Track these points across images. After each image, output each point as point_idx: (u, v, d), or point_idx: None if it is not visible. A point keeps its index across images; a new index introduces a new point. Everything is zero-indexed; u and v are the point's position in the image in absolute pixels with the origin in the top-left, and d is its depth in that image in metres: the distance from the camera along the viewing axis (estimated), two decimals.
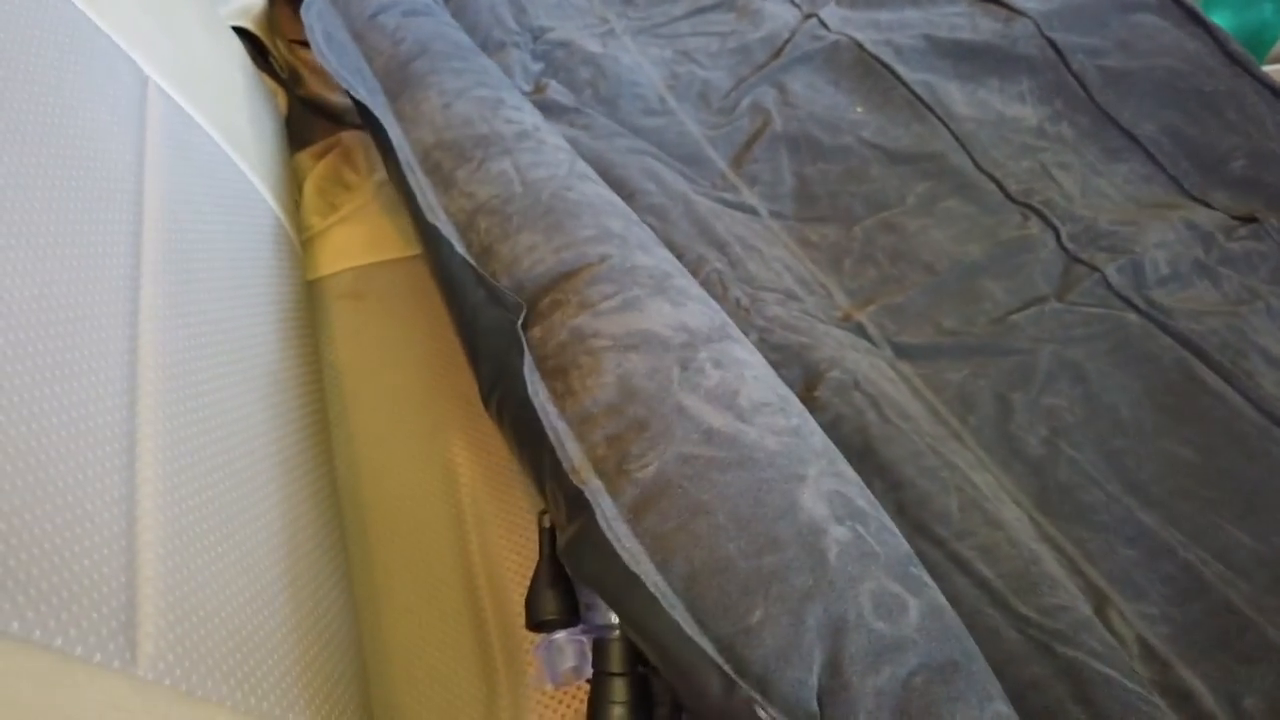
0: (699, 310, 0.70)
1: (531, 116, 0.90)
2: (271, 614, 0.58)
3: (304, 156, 1.08)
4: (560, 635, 0.65)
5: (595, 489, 0.57)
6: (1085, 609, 0.68)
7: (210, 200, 0.74)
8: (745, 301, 0.88)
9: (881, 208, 1.02)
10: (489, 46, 1.19)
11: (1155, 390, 0.85)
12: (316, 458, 0.77)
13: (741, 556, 0.53)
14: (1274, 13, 1.28)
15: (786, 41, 1.20)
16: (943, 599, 0.56)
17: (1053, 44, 1.15)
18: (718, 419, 0.59)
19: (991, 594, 0.67)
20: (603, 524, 0.55)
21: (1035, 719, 0.60)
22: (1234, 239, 0.97)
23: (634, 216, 0.82)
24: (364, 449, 0.85)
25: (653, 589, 0.52)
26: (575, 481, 0.58)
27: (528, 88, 1.15)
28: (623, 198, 0.94)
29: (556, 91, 1.13)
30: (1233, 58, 1.13)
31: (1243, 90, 1.10)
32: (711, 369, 0.63)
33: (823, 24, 1.21)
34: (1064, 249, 0.96)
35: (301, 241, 0.99)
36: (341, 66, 0.93)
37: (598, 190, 0.81)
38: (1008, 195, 1.02)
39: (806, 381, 0.81)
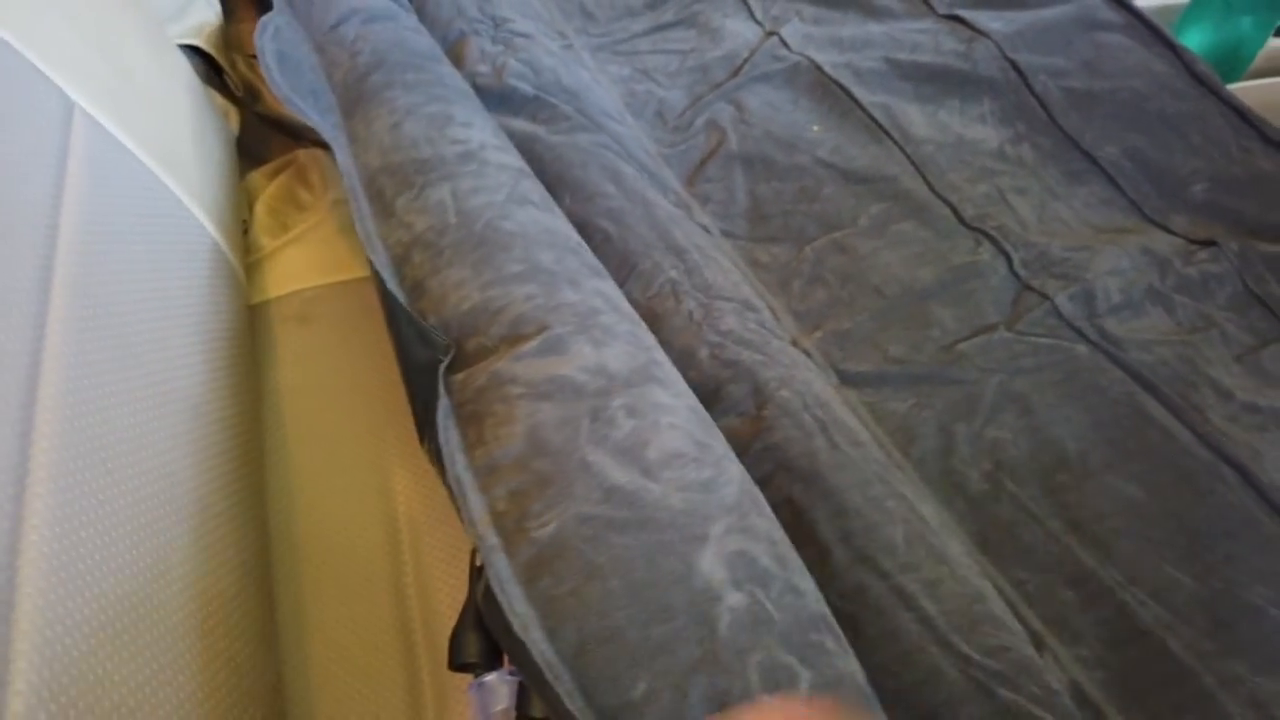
0: (622, 351, 0.67)
1: (481, 132, 0.87)
2: (174, 674, 0.56)
3: (257, 176, 1.06)
4: (492, 676, 0.63)
5: (491, 546, 0.55)
6: (1027, 650, 0.65)
7: (138, 231, 0.72)
8: (699, 314, 0.85)
9: (834, 228, 1.00)
10: (450, 39, 1.16)
11: (1103, 424, 0.82)
12: (242, 492, 0.74)
13: (631, 626, 0.50)
14: (1252, 27, 1.27)
15: (745, 60, 1.18)
16: (850, 667, 0.54)
17: (1015, 65, 1.12)
18: (622, 475, 0.57)
19: (934, 631, 0.64)
20: (495, 586, 0.53)
21: None
22: (1191, 264, 0.94)
23: (571, 241, 0.79)
24: (301, 478, 0.83)
25: (538, 659, 0.50)
26: (471, 537, 0.56)
27: (486, 69, 1.10)
28: (580, 201, 0.93)
29: (516, 76, 1.09)
30: (1199, 79, 1.11)
31: (1208, 112, 1.08)
32: (624, 418, 0.60)
33: (784, 43, 1.18)
34: (1015, 275, 0.94)
35: (250, 263, 0.97)
36: (294, 90, 0.90)
37: (535, 216, 0.78)
38: (962, 220, 1.00)
39: (756, 400, 0.78)
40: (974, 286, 0.94)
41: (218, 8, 1.12)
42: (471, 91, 0.99)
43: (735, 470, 0.62)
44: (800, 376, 0.81)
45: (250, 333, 0.90)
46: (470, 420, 0.63)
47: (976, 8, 1.22)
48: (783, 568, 0.57)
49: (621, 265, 0.89)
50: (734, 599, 0.52)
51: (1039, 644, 0.69)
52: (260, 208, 1.02)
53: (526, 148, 1.00)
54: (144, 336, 0.67)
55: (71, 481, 0.52)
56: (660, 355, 0.71)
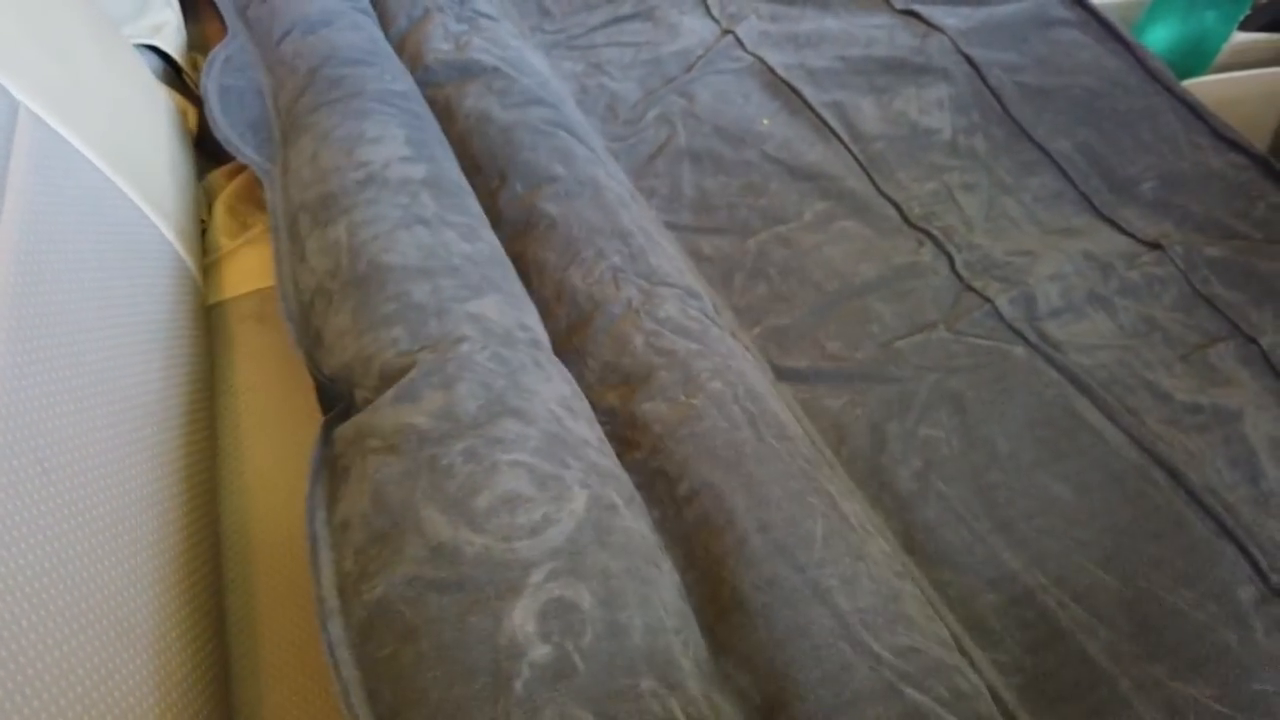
0: (477, 385, 0.66)
1: (389, 145, 0.86)
2: (123, 671, 0.55)
3: (217, 175, 1.04)
4: None
5: (330, 610, 0.55)
6: (938, 652, 0.64)
7: (84, 230, 0.71)
8: (638, 301, 0.84)
9: (778, 222, 0.99)
10: (415, 15, 1.15)
11: (1036, 424, 0.82)
12: (193, 490, 0.74)
13: (435, 688, 0.50)
14: (1216, 21, 1.26)
15: (699, 58, 1.17)
16: (667, 708, 0.53)
17: (969, 60, 1.11)
18: (447, 531, 0.56)
19: (847, 627, 0.63)
20: (325, 650, 0.53)
21: None
22: (1135, 267, 0.94)
23: (455, 258, 0.77)
24: (257, 476, 0.82)
25: None
26: (315, 597, 0.56)
27: (449, 46, 1.10)
28: (529, 188, 0.93)
29: (479, 50, 1.09)
30: (1152, 75, 1.10)
31: (1159, 108, 1.07)
32: (461, 464, 0.59)
33: (739, 42, 1.17)
34: (957, 276, 0.93)
35: (209, 263, 0.96)
36: (232, 127, 0.91)
37: (420, 239, 0.77)
38: (906, 220, 0.99)
39: (687, 389, 0.77)
40: (914, 285, 0.93)
41: (176, 7, 1.11)
42: (400, 75, 0.99)
43: (580, 501, 0.61)
44: (735, 368, 0.80)
45: (205, 332, 0.89)
46: (340, 475, 0.62)
47: (932, 3, 1.21)
48: (609, 607, 0.56)
49: (565, 252, 0.88)
50: (538, 653, 0.51)
51: (958, 647, 0.68)
52: (219, 207, 1.01)
53: (479, 129, 1.00)
54: (89, 337, 0.66)
55: (5, 482, 0.52)
56: (530, 370, 0.70)
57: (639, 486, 0.71)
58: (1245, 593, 0.71)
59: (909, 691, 0.60)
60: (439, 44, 1.10)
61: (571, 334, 0.83)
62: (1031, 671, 0.68)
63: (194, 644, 0.65)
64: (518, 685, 0.50)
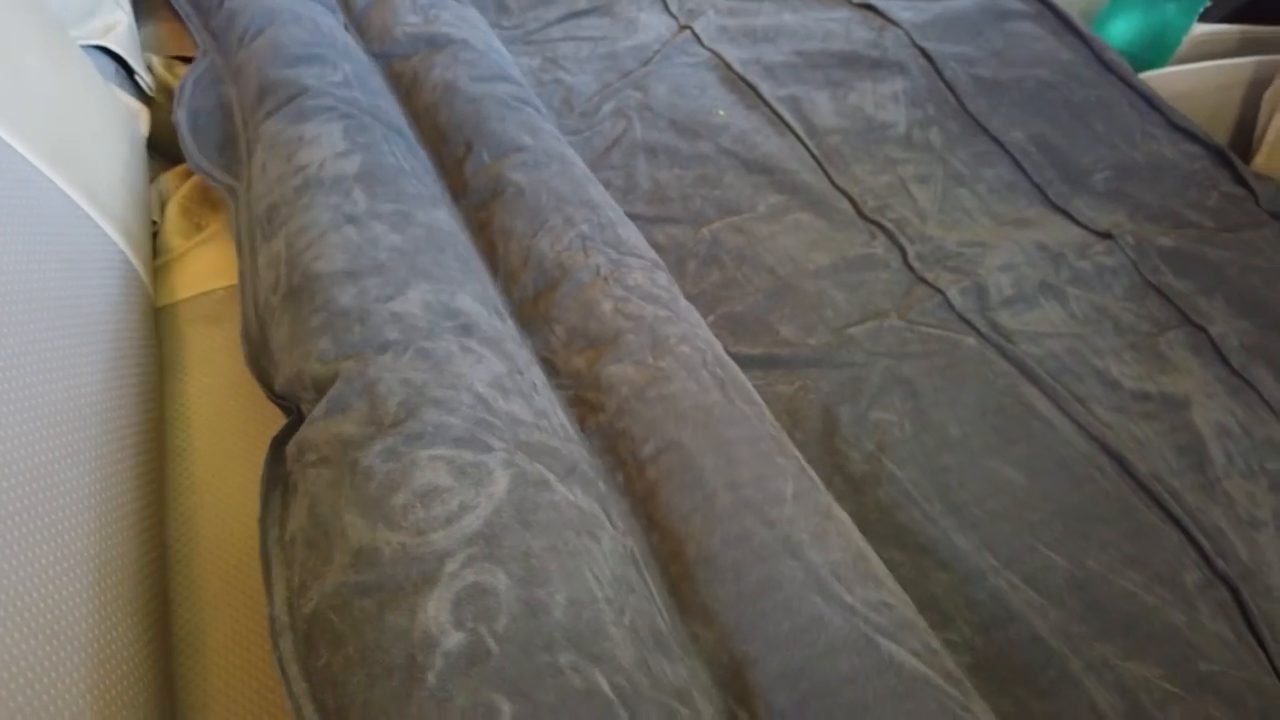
0: (396, 384, 0.66)
1: (327, 142, 0.86)
2: (67, 677, 0.54)
3: (169, 176, 1.03)
4: None
5: (281, 626, 0.55)
6: (909, 611, 0.63)
7: (27, 238, 0.70)
8: (606, 269, 0.83)
9: (732, 212, 0.99)
10: None
11: (988, 410, 0.81)
12: (138, 493, 0.72)
13: (361, 690, 0.50)
14: (1176, 14, 1.27)
15: (656, 53, 1.17)
16: (592, 679, 0.53)
17: (925, 53, 1.12)
18: (366, 534, 0.56)
19: (818, 580, 0.62)
20: (277, 666, 0.53)
21: (847, 714, 0.56)
22: (1086, 257, 0.94)
23: (381, 254, 0.77)
24: (208, 478, 0.80)
25: None
26: (268, 616, 0.56)
27: (417, 19, 1.09)
28: (496, 157, 0.92)
29: (448, 24, 1.08)
30: (1108, 66, 1.11)
31: (1114, 99, 1.08)
32: (380, 465, 0.59)
33: (696, 37, 1.17)
34: (909, 268, 0.93)
35: (161, 265, 0.95)
36: (203, 151, 0.92)
37: (348, 238, 0.76)
38: (860, 213, 0.99)
39: (655, 351, 0.76)
40: (867, 277, 0.93)
41: (128, 8, 1.09)
42: (343, 59, 0.98)
43: (502, 483, 0.61)
44: (704, 336, 0.79)
45: (154, 335, 0.88)
46: (290, 491, 0.62)
47: None
48: (528, 585, 0.56)
49: (533, 219, 0.87)
50: (451, 642, 0.51)
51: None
52: (172, 208, 0.99)
53: (446, 100, 0.99)
54: (19, 341, 0.65)
55: None
56: (456, 357, 0.69)
57: (603, 451, 0.71)
58: (1191, 577, 0.71)
59: (884, 642, 0.59)
60: (407, 16, 1.09)
61: (538, 300, 0.82)
62: (982, 651, 0.67)
63: (136, 648, 0.64)
64: (430, 676, 0.50)
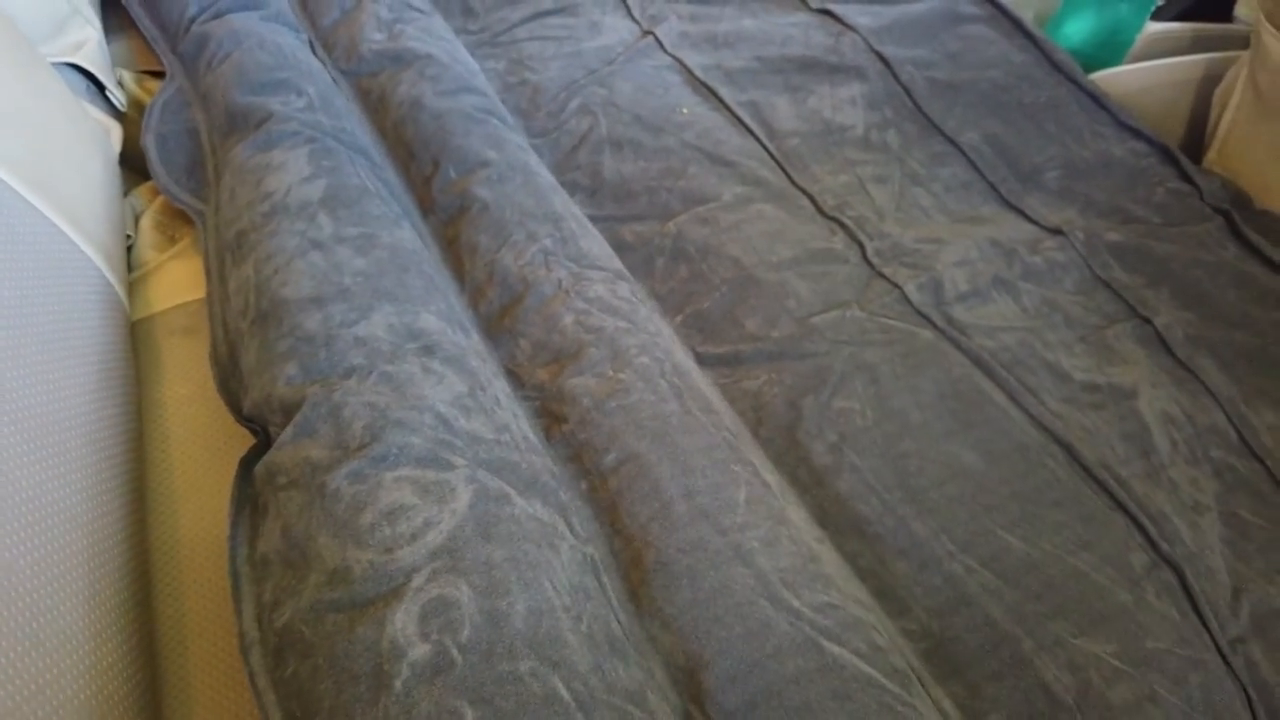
0: (361, 407, 0.68)
1: (294, 168, 0.87)
2: (53, 685, 0.55)
3: (143, 190, 1.04)
4: None
5: (251, 641, 0.58)
6: (856, 610, 0.66)
7: (4, 259, 0.71)
8: (568, 282, 0.86)
9: (697, 203, 1.00)
10: (347, 6, 1.17)
11: (946, 397, 0.84)
12: (118, 502, 0.73)
13: (327, 696, 0.53)
14: (1129, 13, 1.30)
15: (619, 55, 1.18)
16: (550, 685, 0.55)
17: (882, 57, 1.14)
18: (338, 555, 0.59)
19: (767, 586, 0.65)
20: (248, 679, 0.56)
21: (792, 715, 0.59)
22: (1038, 253, 0.96)
23: (345, 278, 0.79)
24: (185, 486, 0.82)
25: None
26: (237, 631, 0.59)
27: (381, 36, 1.12)
28: (462, 173, 0.95)
29: (412, 39, 1.10)
30: (1057, 67, 1.14)
31: (1064, 99, 1.11)
32: (347, 487, 0.62)
33: (658, 43, 1.19)
34: (868, 263, 0.95)
35: (135, 279, 0.96)
36: (171, 176, 0.94)
37: (313, 264, 0.79)
38: (820, 210, 1.00)
39: (615, 364, 0.79)
40: (828, 269, 0.95)
41: (98, 24, 1.10)
42: (307, 81, 1.00)
43: (463, 499, 0.64)
44: (663, 345, 0.82)
45: (130, 347, 0.89)
46: (260, 511, 0.65)
47: (846, 1, 1.24)
48: (489, 596, 0.58)
49: (497, 234, 0.90)
50: (417, 653, 0.54)
51: (868, 615, 0.69)
52: (146, 222, 1.01)
53: (412, 116, 1.01)
54: (9, 360, 0.66)
55: None
56: (417, 379, 0.72)
57: (567, 460, 0.74)
58: (1137, 559, 0.74)
59: (828, 645, 0.62)
60: (372, 33, 1.11)
61: (504, 314, 0.85)
62: (938, 636, 0.70)
63: (127, 659, 0.65)
64: (397, 684, 0.53)
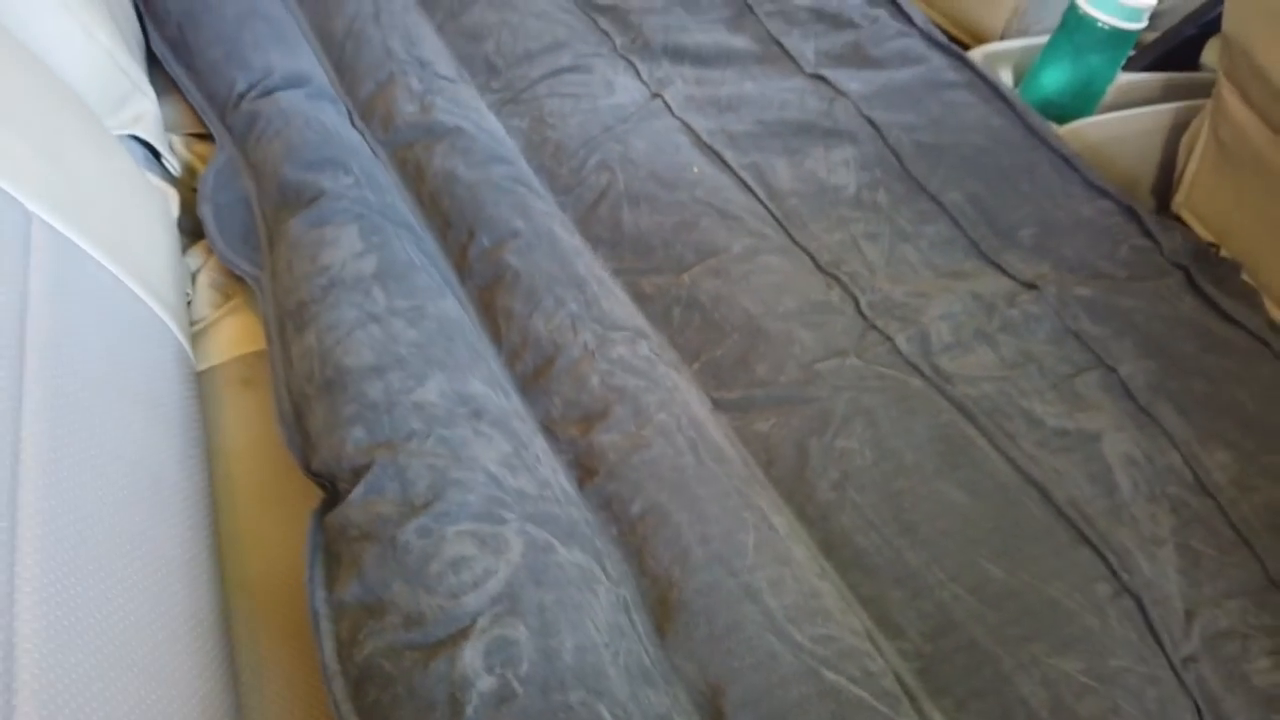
0: (424, 469, 0.77)
1: (347, 243, 0.95)
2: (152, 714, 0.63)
3: (197, 249, 1.11)
4: None
5: (332, 673, 0.66)
6: (851, 640, 0.77)
7: (96, 326, 0.77)
8: (593, 344, 0.95)
9: (710, 254, 1.08)
10: (380, 79, 1.24)
11: (935, 439, 0.92)
12: (197, 546, 0.80)
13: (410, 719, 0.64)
14: (1101, 64, 1.38)
15: (632, 114, 1.26)
16: (583, 718, 0.65)
17: (871, 121, 1.23)
18: (411, 600, 0.68)
19: (773, 622, 0.76)
20: (332, 706, 0.65)
21: None
22: (1015, 306, 1.05)
23: (400, 350, 0.87)
24: (253, 531, 0.89)
25: None
26: (320, 662, 0.68)
27: (413, 108, 1.19)
28: (494, 242, 1.04)
29: (442, 110, 1.18)
30: (1032, 131, 1.23)
31: (1038, 162, 1.20)
32: (415, 540, 0.70)
33: (667, 106, 1.27)
34: (862, 316, 1.03)
35: (195, 333, 1.02)
36: (229, 244, 1.02)
37: (372, 337, 0.87)
38: (818, 265, 1.09)
39: (637, 421, 0.89)
40: (827, 319, 1.03)
41: (152, 95, 1.16)
42: (353, 158, 1.09)
43: (516, 550, 0.73)
44: (679, 400, 0.92)
45: (199, 400, 0.96)
46: (333, 559, 0.74)
47: (838, 67, 1.33)
48: (543, 635, 0.68)
49: (528, 300, 1.00)
50: (484, 684, 0.64)
51: (871, 639, 0.79)
52: (202, 279, 1.08)
53: (447, 188, 1.10)
54: (107, 422, 0.73)
55: (56, 558, 0.59)
56: (470, 442, 0.81)
57: (598, 508, 0.85)
58: (1102, 588, 0.83)
59: (826, 673, 0.73)
60: (405, 106, 1.19)
61: (537, 375, 0.95)
62: (930, 657, 0.79)
63: (223, 691, 0.74)
64: (469, 710, 0.63)
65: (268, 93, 1.16)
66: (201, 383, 1.00)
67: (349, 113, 1.22)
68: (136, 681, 0.62)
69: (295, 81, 1.19)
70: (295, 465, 0.84)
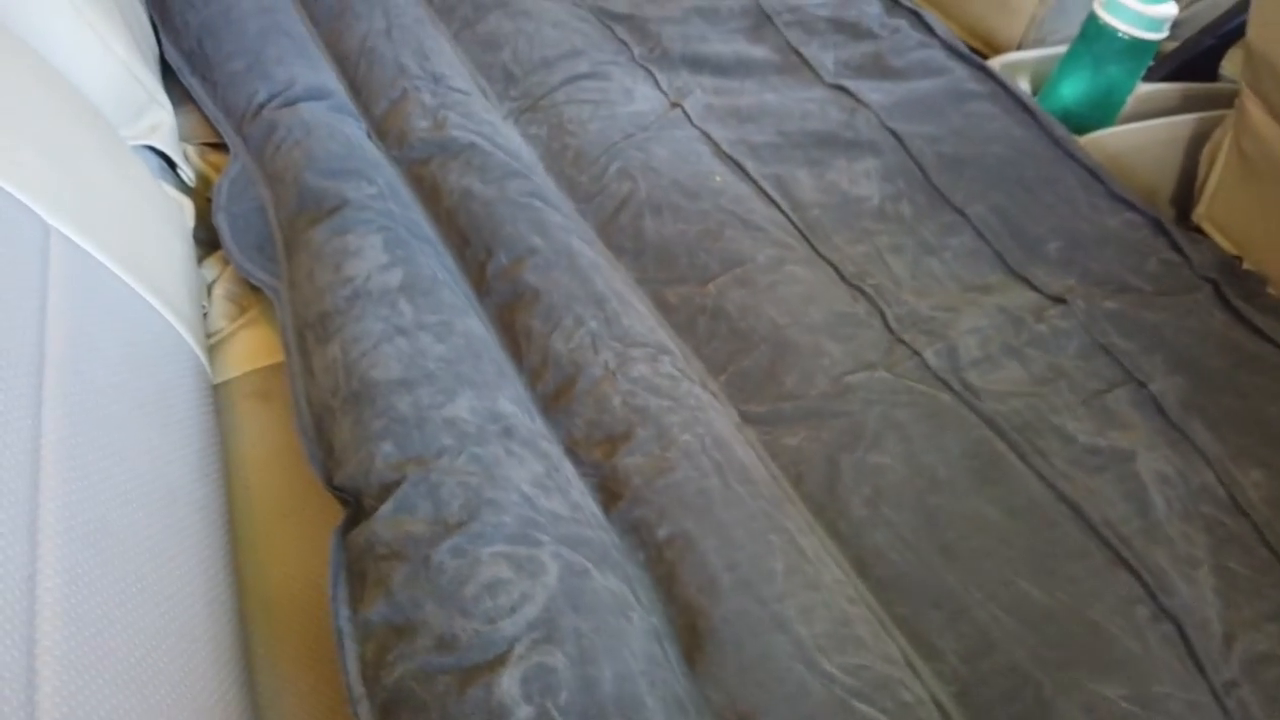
0: (457, 487, 0.75)
1: (371, 255, 0.93)
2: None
3: (212, 261, 1.10)
4: None
5: (358, 696, 0.64)
6: (885, 669, 0.74)
7: (113, 340, 0.76)
8: (613, 364, 0.93)
9: (735, 264, 1.07)
10: (393, 96, 1.23)
11: (967, 455, 0.91)
12: (216, 559, 0.79)
13: None
14: (1120, 75, 1.37)
15: (652, 123, 1.25)
16: None
17: (894, 133, 1.22)
18: (445, 623, 0.66)
19: (804, 652, 0.74)
20: None
21: None
22: (1043, 321, 1.03)
23: (429, 365, 0.85)
24: (270, 544, 0.88)
25: None
26: (344, 683, 0.66)
27: (427, 124, 1.18)
28: (512, 260, 1.02)
29: (456, 126, 1.16)
30: (1057, 142, 1.22)
31: (1062, 173, 1.19)
32: (449, 560, 0.69)
33: (686, 116, 1.25)
34: (889, 329, 1.02)
35: (211, 346, 1.01)
36: (244, 253, 1.01)
37: (399, 350, 0.85)
38: (843, 277, 1.07)
39: (661, 443, 0.87)
40: (855, 332, 1.02)
41: (168, 106, 1.16)
42: (375, 171, 1.07)
43: (553, 573, 0.72)
44: (703, 419, 0.90)
45: (215, 412, 0.94)
46: (357, 578, 0.72)
47: (859, 78, 1.31)
48: (581, 664, 0.67)
49: (548, 319, 0.97)
50: (523, 713, 0.62)
51: (908, 662, 0.77)
52: (217, 292, 1.07)
53: (464, 206, 1.08)
54: (125, 435, 0.72)
55: (76, 572, 0.58)
56: (502, 461, 0.79)
57: (625, 533, 0.82)
58: (1140, 611, 0.81)
59: (858, 705, 0.71)
60: (418, 122, 1.18)
61: (559, 395, 0.93)
62: (967, 679, 0.77)
63: (245, 709, 0.72)
64: None
65: (289, 103, 1.14)
66: (218, 396, 0.99)
67: (367, 132, 1.21)
68: (156, 696, 0.61)
69: (318, 94, 1.18)
70: (314, 480, 0.83)
